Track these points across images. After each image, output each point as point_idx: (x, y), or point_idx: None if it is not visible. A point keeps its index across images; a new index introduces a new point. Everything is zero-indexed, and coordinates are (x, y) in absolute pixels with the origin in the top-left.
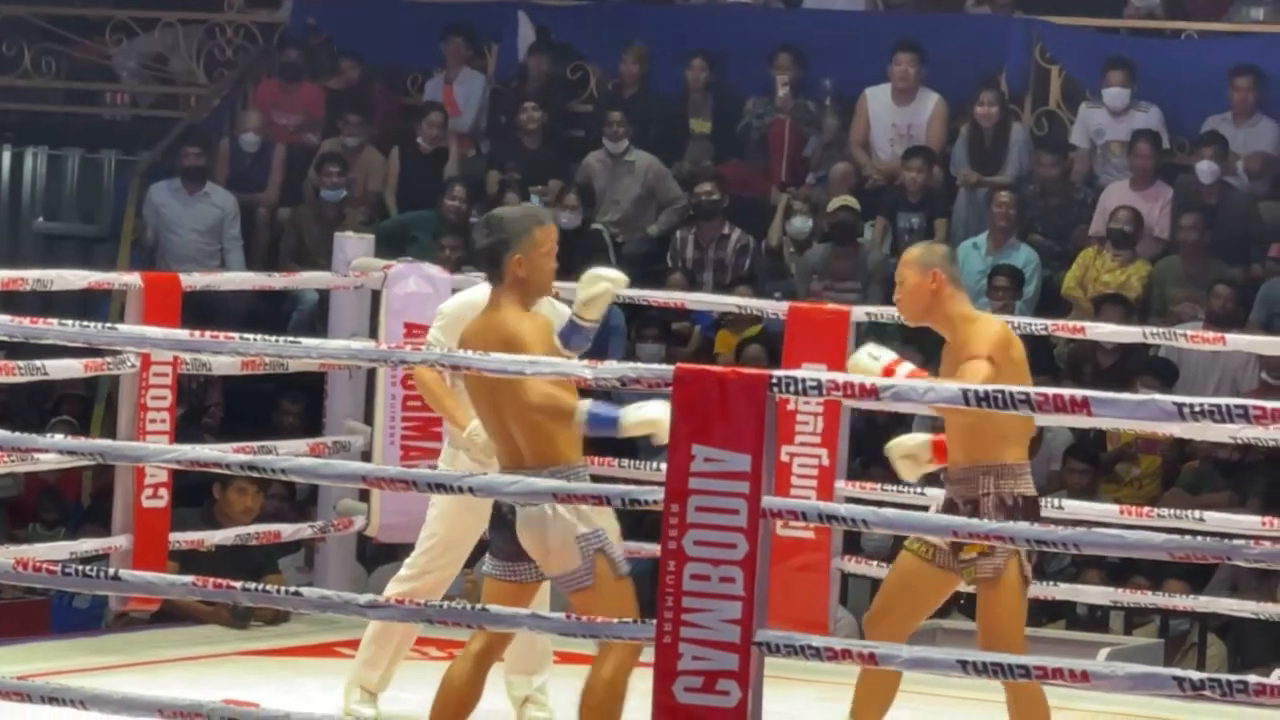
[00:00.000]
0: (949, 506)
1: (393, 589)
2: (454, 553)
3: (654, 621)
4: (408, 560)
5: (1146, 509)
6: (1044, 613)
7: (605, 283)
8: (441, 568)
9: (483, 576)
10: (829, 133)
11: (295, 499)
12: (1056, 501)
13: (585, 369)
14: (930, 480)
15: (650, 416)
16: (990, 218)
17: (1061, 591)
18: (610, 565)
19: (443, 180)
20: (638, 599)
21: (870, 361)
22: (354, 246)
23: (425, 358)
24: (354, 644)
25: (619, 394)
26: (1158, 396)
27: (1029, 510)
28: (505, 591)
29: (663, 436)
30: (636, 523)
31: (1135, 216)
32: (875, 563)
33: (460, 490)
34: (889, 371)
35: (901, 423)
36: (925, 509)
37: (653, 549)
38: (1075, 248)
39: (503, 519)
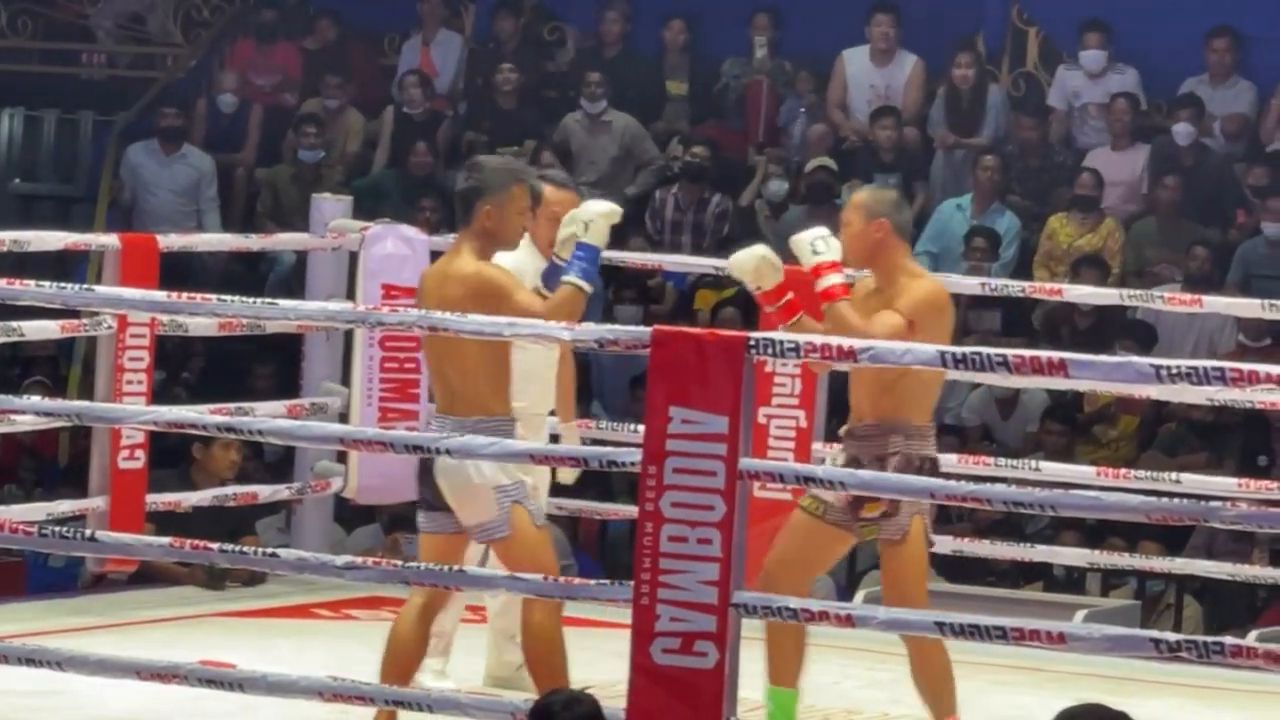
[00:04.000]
0: (851, 463)
1: None
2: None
3: (631, 583)
4: None
5: (1123, 471)
6: (1021, 575)
7: (573, 228)
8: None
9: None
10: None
11: (263, 459)
12: (1034, 463)
13: (563, 331)
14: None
15: (607, 211)
16: (975, 181)
17: (1038, 553)
18: (529, 516)
19: (435, 143)
20: (617, 561)
21: (808, 251)
22: (331, 208)
23: (402, 319)
24: (331, 605)
25: (595, 353)
26: (1135, 358)
27: (932, 473)
28: (436, 545)
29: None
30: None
31: (1097, 179)
32: None
33: (436, 452)
34: (819, 270)
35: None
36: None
37: (630, 510)
38: (1054, 210)
39: (425, 468)
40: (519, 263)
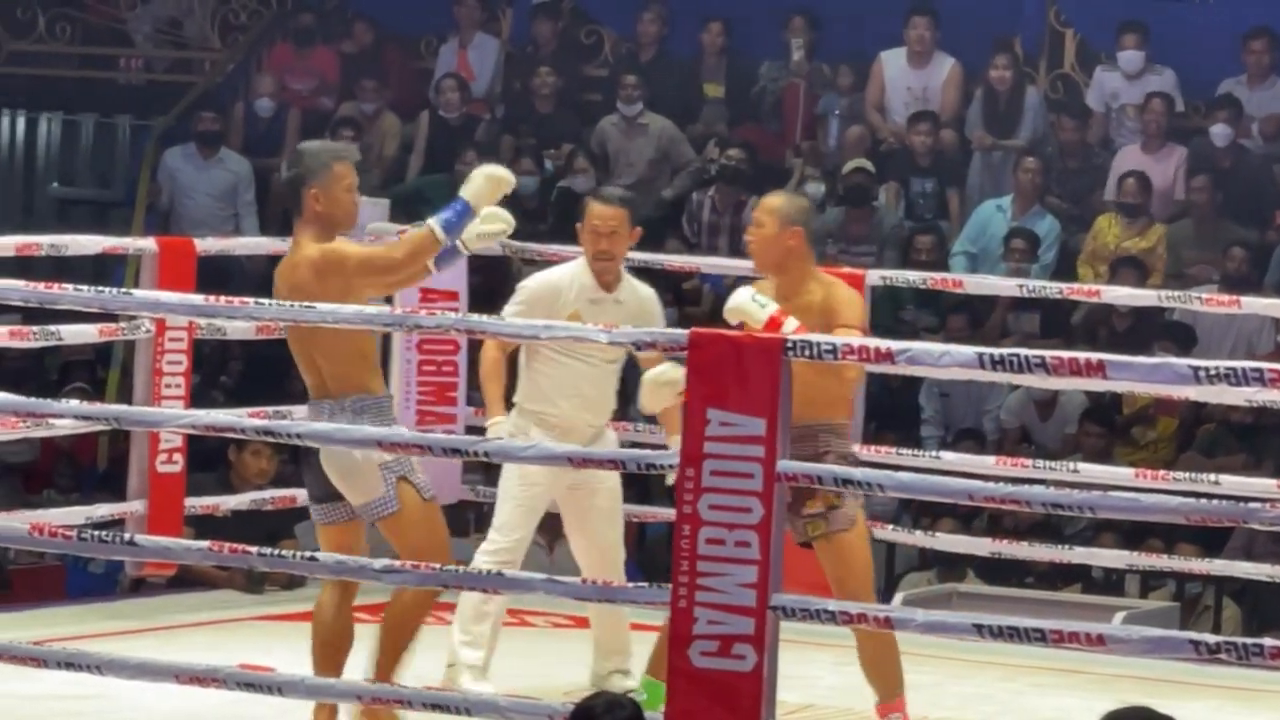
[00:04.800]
0: None
1: (481, 559)
2: (532, 513)
3: (669, 586)
4: (492, 530)
5: (1162, 472)
6: (1060, 576)
7: (502, 224)
8: (525, 529)
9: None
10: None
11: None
12: (1072, 465)
13: (601, 333)
14: (946, 445)
15: (494, 173)
16: (1016, 183)
17: (1077, 555)
18: (416, 490)
19: (469, 147)
20: (655, 563)
21: (756, 308)
22: (369, 211)
23: (440, 322)
24: (370, 609)
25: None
26: (1173, 360)
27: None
28: (332, 536)
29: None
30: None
31: (1143, 184)
32: (890, 526)
33: (474, 455)
34: (775, 321)
35: (913, 388)
36: (942, 473)
37: (668, 513)
38: (1092, 211)
39: (310, 456)
40: (566, 275)
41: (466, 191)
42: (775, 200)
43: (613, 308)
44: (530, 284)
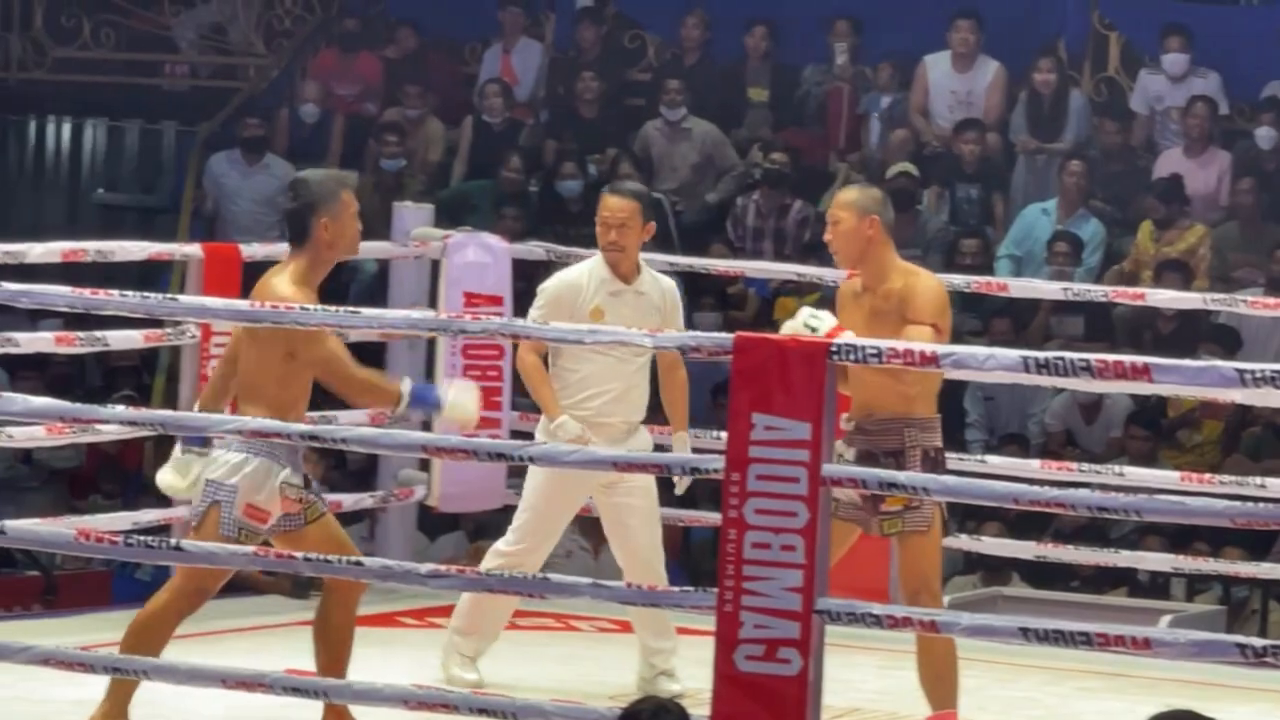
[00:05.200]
0: (866, 458)
1: (491, 561)
2: (550, 524)
3: (715, 590)
4: (508, 530)
5: (1208, 475)
6: (1105, 580)
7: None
8: (540, 539)
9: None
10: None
11: (347, 468)
12: (1118, 468)
13: (645, 338)
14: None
15: (464, 402)
16: (1061, 187)
17: (1123, 559)
18: (217, 524)
19: (513, 152)
20: (700, 568)
21: (809, 333)
22: (413, 216)
23: (485, 327)
24: (415, 613)
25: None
26: (1219, 363)
27: (941, 462)
28: (289, 539)
29: (470, 424)
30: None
31: (1177, 188)
32: None
33: (519, 460)
34: (831, 338)
35: (957, 392)
36: (988, 477)
37: (714, 518)
38: (1136, 215)
39: None
40: (584, 271)
41: (450, 406)
42: (849, 194)
43: (634, 298)
44: (549, 285)
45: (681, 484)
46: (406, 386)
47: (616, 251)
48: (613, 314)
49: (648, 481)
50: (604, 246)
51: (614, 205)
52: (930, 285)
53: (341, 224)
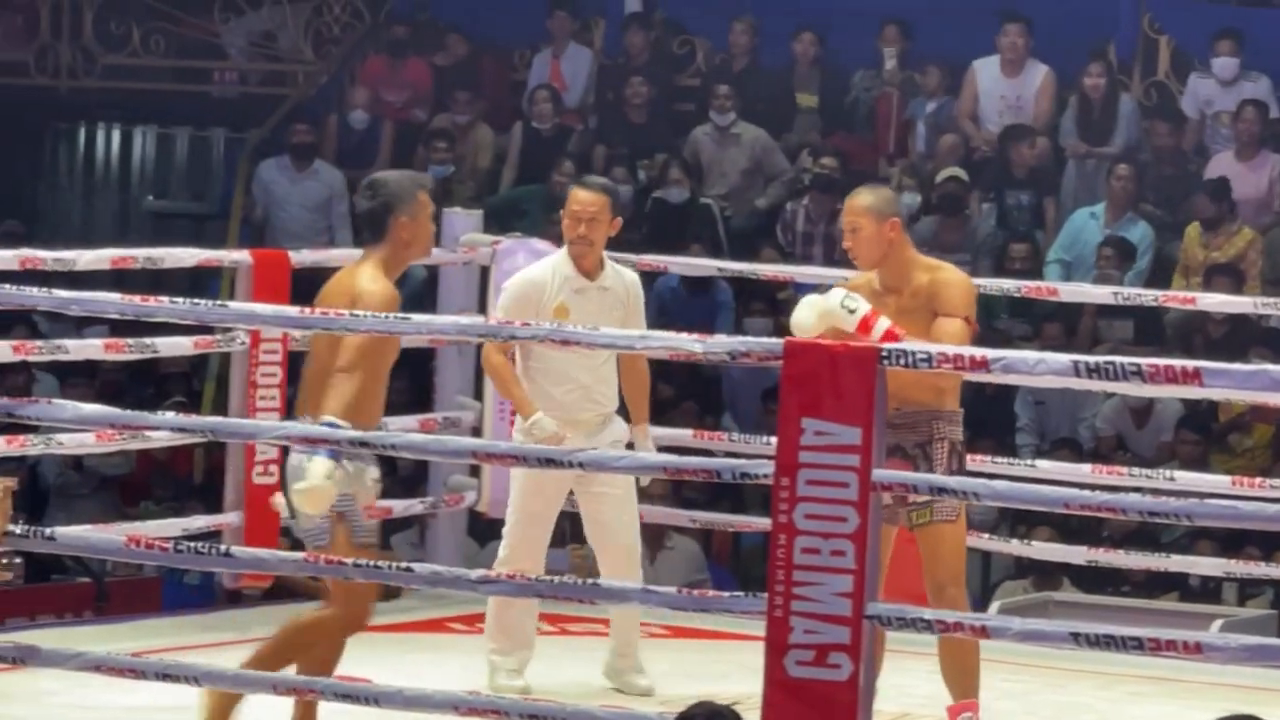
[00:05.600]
0: (894, 450)
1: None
2: (536, 525)
3: (765, 595)
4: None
5: (1259, 480)
6: (1156, 585)
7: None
8: (529, 541)
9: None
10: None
11: (397, 474)
12: (1168, 473)
13: (695, 343)
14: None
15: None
16: (1109, 191)
17: (1174, 563)
18: (349, 532)
19: (563, 158)
20: (750, 573)
21: (845, 314)
22: (462, 222)
23: (535, 333)
24: (465, 619)
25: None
26: (1270, 367)
27: (964, 455)
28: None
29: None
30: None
31: (1223, 191)
32: (986, 535)
33: (569, 466)
34: (866, 323)
35: (1008, 396)
36: (1038, 482)
37: (764, 523)
38: (1185, 218)
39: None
40: (547, 268)
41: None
42: (864, 199)
43: (598, 295)
44: (512, 284)
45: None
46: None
47: (585, 245)
48: (577, 311)
49: (627, 480)
50: (572, 240)
51: (584, 199)
52: (958, 279)
53: (419, 224)
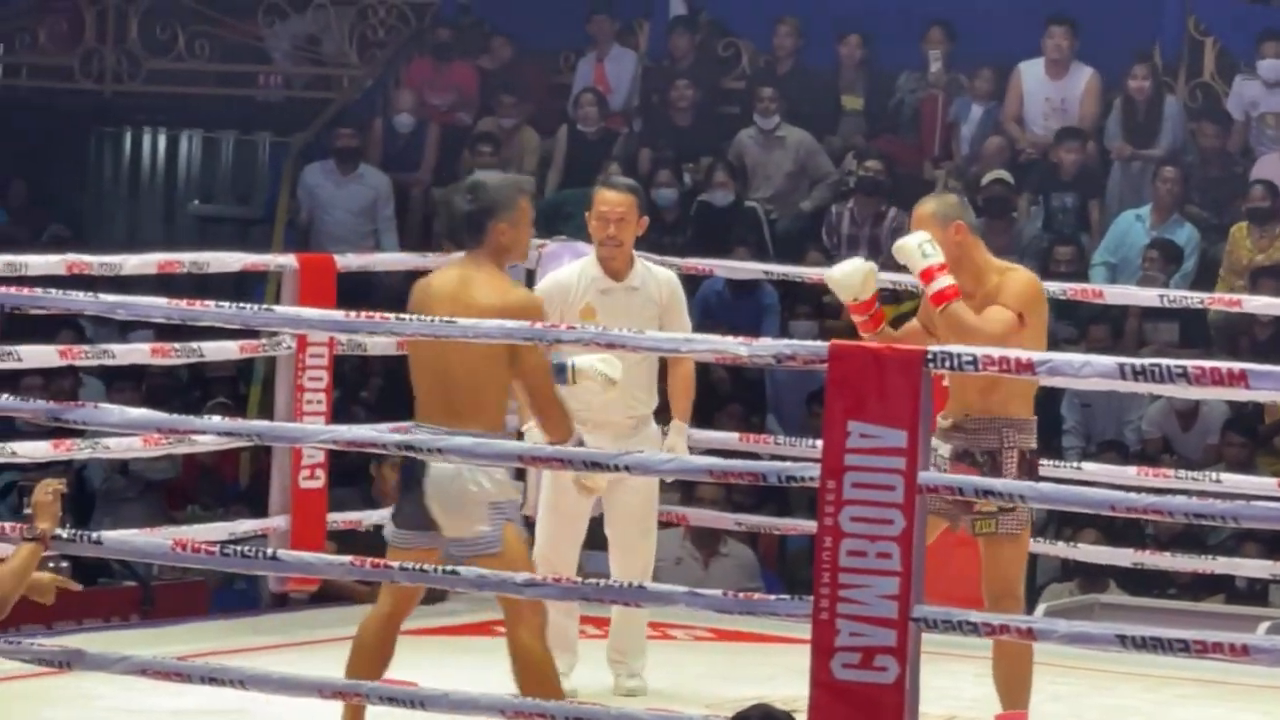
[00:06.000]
0: (962, 455)
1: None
2: (566, 526)
3: (811, 598)
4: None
5: None
6: (1203, 587)
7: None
8: (559, 542)
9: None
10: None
11: None
12: (1214, 475)
13: (741, 346)
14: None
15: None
16: (1154, 193)
17: (1220, 565)
18: (517, 534)
19: (608, 161)
20: (796, 576)
21: (919, 255)
22: None
23: (579, 335)
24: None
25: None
26: None
27: (1036, 465)
28: (402, 560)
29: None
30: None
31: (1271, 190)
32: (1032, 537)
33: (615, 469)
34: (930, 272)
35: (1054, 399)
36: (1084, 484)
37: (809, 526)
38: (1231, 220)
39: (414, 479)
40: (575, 270)
41: (579, 374)
42: (927, 206)
43: (625, 295)
44: (540, 286)
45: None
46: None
47: (614, 246)
48: (604, 312)
49: (650, 483)
50: (601, 241)
51: (612, 199)
52: (1023, 277)
53: (519, 230)
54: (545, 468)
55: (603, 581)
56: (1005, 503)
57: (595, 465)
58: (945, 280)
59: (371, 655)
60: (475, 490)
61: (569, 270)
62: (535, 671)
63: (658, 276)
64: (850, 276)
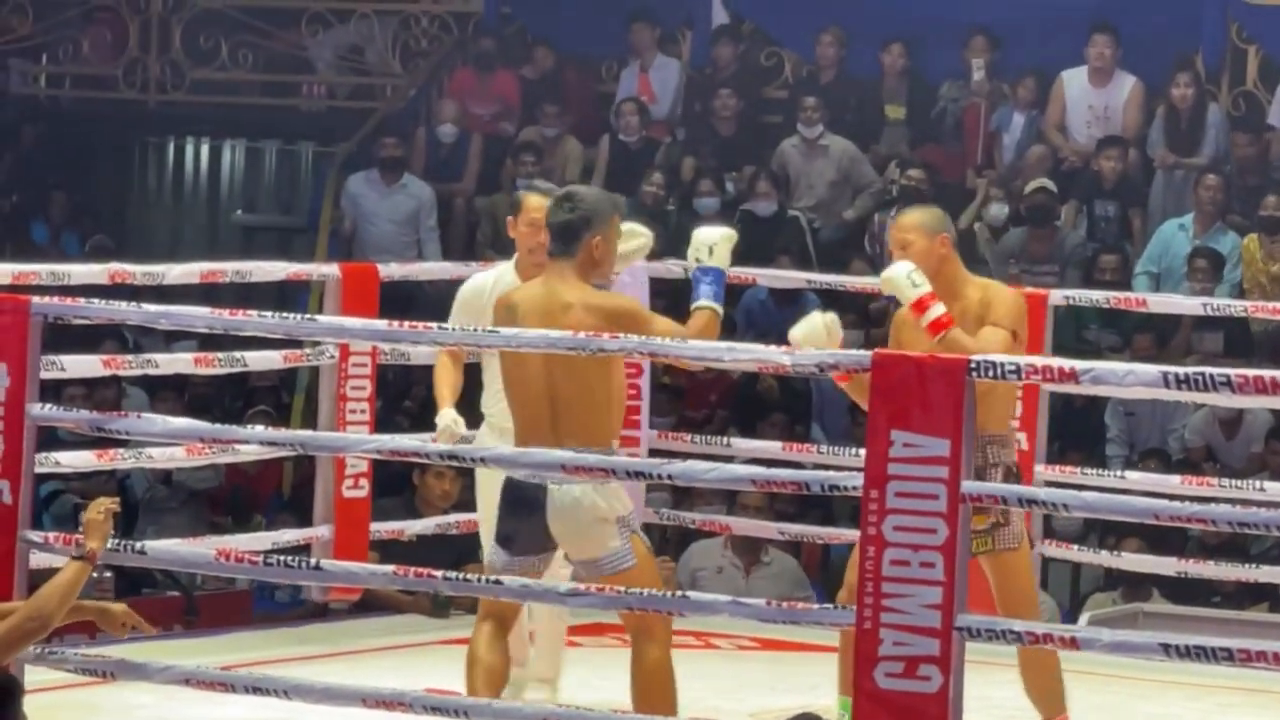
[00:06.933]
0: None
1: None
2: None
3: (854, 608)
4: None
5: None
6: (1247, 595)
7: (641, 239)
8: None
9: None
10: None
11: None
12: (1258, 483)
13: (784, 355)
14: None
15: (724, 233)
16: (1196, 201)
17: (1264, 574)
18: (646, 545)
19: (650, 171)
20: (840, 585)
21: (909, 285)
22: None
23: (622, 345)
24: None
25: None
26: None
27: (1019, 478)
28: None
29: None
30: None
31: None
32: (1075, 546)
33: (657, 478)
34: (923, 303)
35: (1098, 408)
36: (1128, 493)
37: (853, 535)
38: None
39: (529, 504)
40: (491, 276)
41: (715, 260)
42: (914, 216)
43: None
44: (460, 292)
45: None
46: (713, 303)
47: (541, 253)
48: None
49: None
50: (532, 248)
51: (543, 206)
52: (1010, 294)
53: (611, 246)
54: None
55: (646, 591)
56: (998, 516)
57: (639, 475)
58: (938, 309)
59: (490, 672)
60: (604, 507)
61: (485, 276)
62: (658, 687)
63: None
64: (809, 334)
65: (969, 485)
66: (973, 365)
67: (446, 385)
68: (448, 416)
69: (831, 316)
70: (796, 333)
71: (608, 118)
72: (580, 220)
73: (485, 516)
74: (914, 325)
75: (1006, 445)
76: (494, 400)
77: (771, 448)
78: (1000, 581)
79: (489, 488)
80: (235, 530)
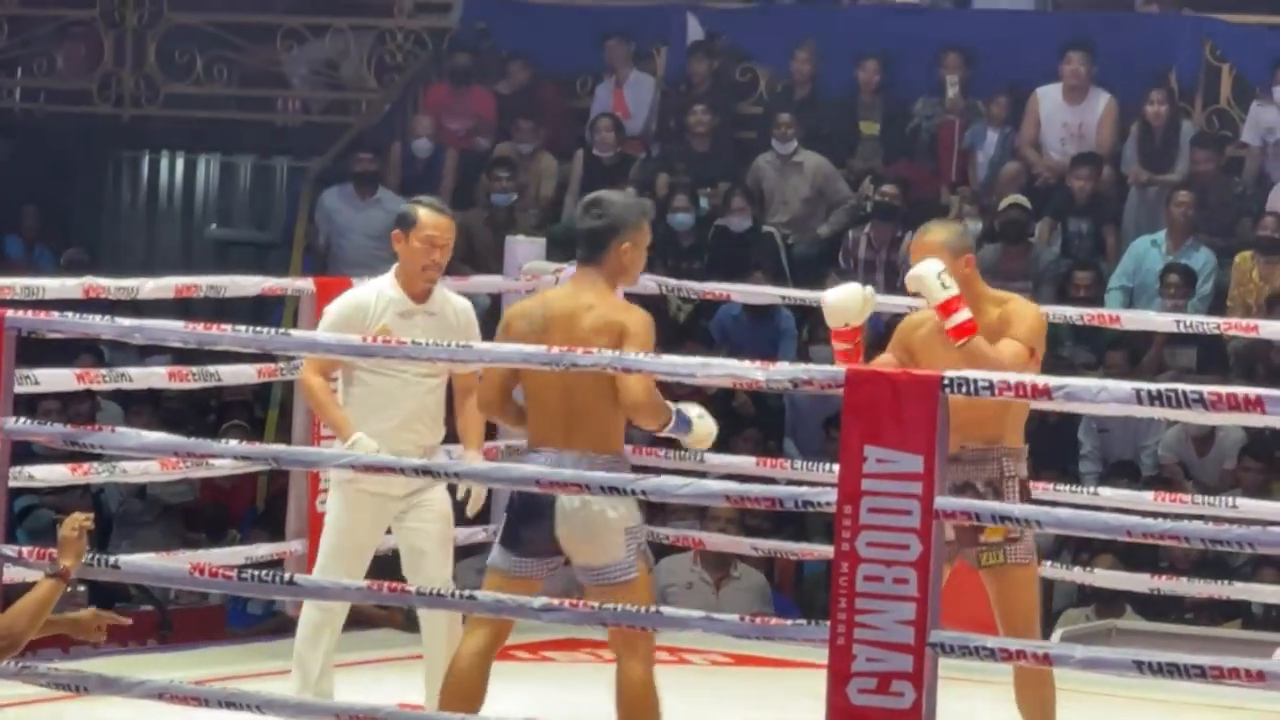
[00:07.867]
0: (965, 488)
1: (307, 611)
2: (348, 562)
3: (828, 623)
4: None
5: None
6: (1220, 612)
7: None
8: (340, 577)
9: (487, 568)
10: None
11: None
12: (1231, 500)
13: (758, 371)
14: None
15: (709, 430)
16: (1169, 217)
17: (1236, 591)
18: (646, 560)
19: (624, 186)
20: (813, 601)
21: (938, 286)
22: (525, 250)
23: (596, 360)
24: (529, 646)
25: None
26: None
27: (1030, 493)
28: (509, 588)
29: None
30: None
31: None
32: (1048, 563)
33: (634, 494)
34: (949, 305)
35: (1071, 424)
36: (1101, 509)
37: (826, 550)
38: (1241, 245)
39: (539, 510)
40: (371, 291)
41: (696, 426)
42: (938, 235)
43: (424, 319)
44: (335, 306)
45: (474, 501)
46: (672, 408)
47: (435, 271)
48: (401, 335)
49: (445, 509)
50: (425, 265)
51: (443, 224)
52: (1030, 310)
53: (638, 253)
54: (564, 492)
55: (620, 606)
56: (1014, 531)
57: (615, 490)
58: (965, 314)
59: (469, 691)
60: (613, 516)
61: (366, 290)
62: (641, 703)
63: (455, 304)
64: (846, 300)
65: (942, 501)
66: (945, 381)
67: (336, 408)
68: (370, 444)
69: (870, 290)
70: (832, 296)
71: (582, 133)
72: (608, 227)
73: (340, 537)
74: (939, 337)
75: (1020, 459)
76: (351, 414)
77: (745, 463)
78: (1005, 596)
79: (351, 506)
80: (209, 545)
